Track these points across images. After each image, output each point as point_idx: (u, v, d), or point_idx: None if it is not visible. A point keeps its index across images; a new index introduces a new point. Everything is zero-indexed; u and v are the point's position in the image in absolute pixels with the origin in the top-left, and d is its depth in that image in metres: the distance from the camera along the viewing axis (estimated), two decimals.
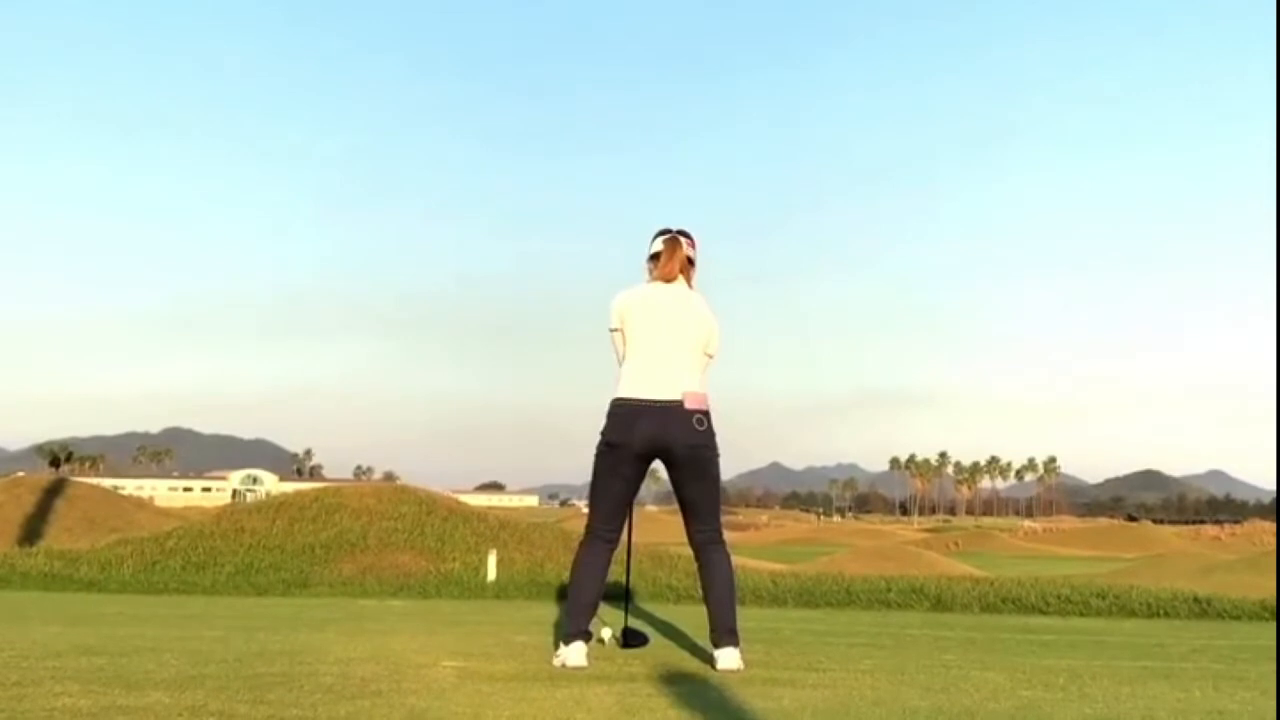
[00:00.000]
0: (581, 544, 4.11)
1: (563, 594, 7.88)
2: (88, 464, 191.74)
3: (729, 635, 3.95)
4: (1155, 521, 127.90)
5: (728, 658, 3.91)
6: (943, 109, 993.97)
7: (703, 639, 4.26)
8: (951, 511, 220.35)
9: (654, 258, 4.22)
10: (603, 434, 4.04)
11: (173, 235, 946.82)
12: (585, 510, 4.23)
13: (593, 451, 4.08)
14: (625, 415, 3.98)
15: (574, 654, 3.90)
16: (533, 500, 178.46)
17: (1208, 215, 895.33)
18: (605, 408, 4.06)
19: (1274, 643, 5.54)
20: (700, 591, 4.12)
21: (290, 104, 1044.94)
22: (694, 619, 5.12)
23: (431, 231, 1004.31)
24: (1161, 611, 7.55)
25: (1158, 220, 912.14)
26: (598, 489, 4.08)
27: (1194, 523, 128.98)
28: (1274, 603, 7.44)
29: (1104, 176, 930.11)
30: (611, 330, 4.18)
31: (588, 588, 4.04)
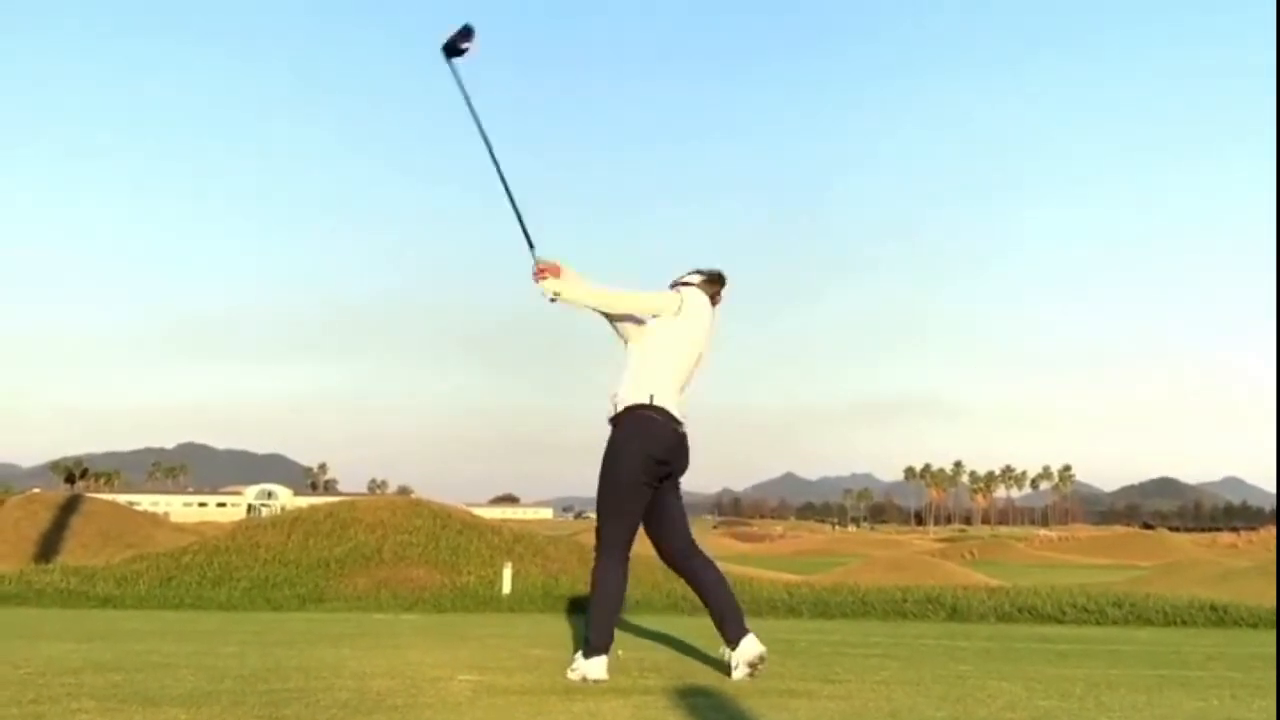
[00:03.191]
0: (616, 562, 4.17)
1: (578, 607, 7.88)
2: (103, 480, 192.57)
3: (743, 627, 4.03)
4: (1171, 529, 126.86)
5: (751, 644, 3.98)
6: (956, 116, 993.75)
7: (717, 651, 4.25)
8: (967, 521, 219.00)
9: None
10: None
11: (186, 251, 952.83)
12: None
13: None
14: None
15: (595, 667, 3.91)
16: (547, 513, 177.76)
17: (1216, 220, 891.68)
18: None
19: None
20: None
21: (321, 109, 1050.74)
22: (708, 631, 5.11)
23: (439, 240, 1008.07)
24: (1178, 619, 7.52)
25: (1170, 228, 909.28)
26: None
27: (1210, 530, 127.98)
28: None
29: (1116, 183, 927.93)
30: None
31: (620, 604, 4.09)
